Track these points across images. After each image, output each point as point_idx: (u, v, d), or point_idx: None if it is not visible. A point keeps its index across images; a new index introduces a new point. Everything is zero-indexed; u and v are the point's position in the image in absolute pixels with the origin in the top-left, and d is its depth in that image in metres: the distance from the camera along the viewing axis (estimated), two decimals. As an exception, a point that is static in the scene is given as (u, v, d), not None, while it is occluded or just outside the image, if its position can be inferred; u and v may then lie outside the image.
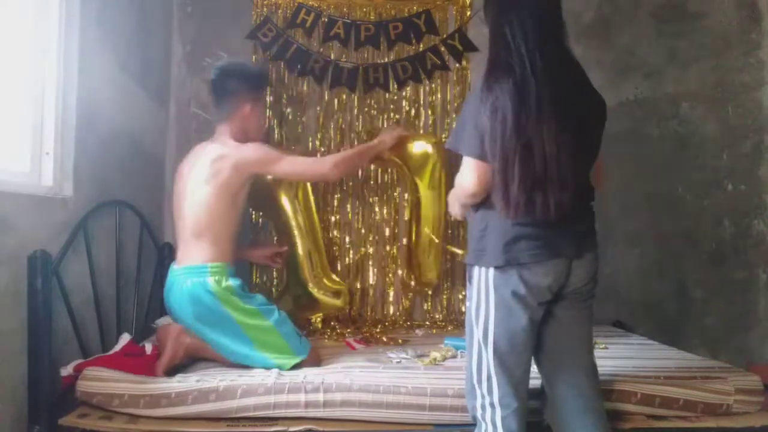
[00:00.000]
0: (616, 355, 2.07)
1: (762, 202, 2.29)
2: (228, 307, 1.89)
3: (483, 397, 1.42)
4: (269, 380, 1.69)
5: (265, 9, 2.84)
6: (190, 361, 1.95)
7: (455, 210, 1.60)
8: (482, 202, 1.44)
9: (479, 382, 1.43)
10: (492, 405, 1.41)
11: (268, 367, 1.85)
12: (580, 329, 1.50)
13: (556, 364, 1.50)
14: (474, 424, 1.47)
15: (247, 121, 2.13)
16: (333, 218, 2.85)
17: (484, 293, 1.42)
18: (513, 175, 1.32)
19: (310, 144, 2.84)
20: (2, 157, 1.68)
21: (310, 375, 1.74)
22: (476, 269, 1.45)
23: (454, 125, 2.58)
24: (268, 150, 2.08)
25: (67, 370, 1.73)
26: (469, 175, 1.40)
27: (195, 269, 1.92)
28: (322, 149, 2.85)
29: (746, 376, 1.80)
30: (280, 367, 1.86)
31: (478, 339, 1.44)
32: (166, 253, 2.51)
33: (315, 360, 1.97)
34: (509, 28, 1.38)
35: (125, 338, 2.00)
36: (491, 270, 1.41)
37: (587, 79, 1.47)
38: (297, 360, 1.90)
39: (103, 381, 1.66)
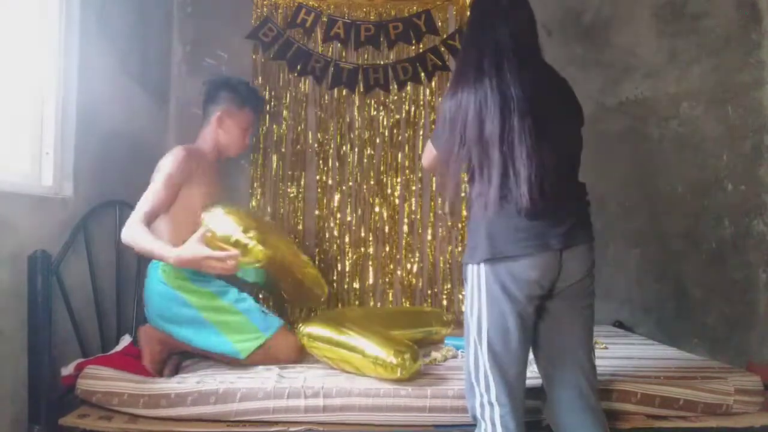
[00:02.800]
0: (616, 355, 2.07)
1: (762, 202, 2.29)
2: (182, 291, 1.90)
3: (481, 395, 1.43)
4: (269, 384, 1.68)
5: (265, 9, 2.84)
6: (173, 353, 1.97)
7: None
8: (473, 202, 1.48)
9: (477, 379, 1.44)
10: (490, 403, 1.41)
11: (232, 354, 1.84)
12: (581, 329, 1.50)
13: (555, 363, 1.50)
14: (474, 425, 1.47)
15: (218, 131, 2.17)
16: (333, 219, 2.85)
17: (477, 290, 1.44)
18: (486, 173, 1.40)
19: (310, 144, 2.84)
20: (2, 157, 1.68)
21: (310, 379, 1.73)
22: (469, 267, 1.47)
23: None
24: (164, 165, 1.97)
25: (68, 370, 1.73)
26: (424, 155, 1.69)
27: (152, 263, 1.97)
28: (327, 148, 2.86)
29: (746, 376, 1.80)
30: (247, 350, 1.84)
31: (473, 337, 1.45)
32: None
33: (288, 339, 1.90)
34: (480, 40, 1.47)
35: (126, 340, 2.00)
36: (481, 266, 1.43)
37: (568, 86, 1.54)
38: (263, 337, 1.86)
39: (103, 380, 1.66)
